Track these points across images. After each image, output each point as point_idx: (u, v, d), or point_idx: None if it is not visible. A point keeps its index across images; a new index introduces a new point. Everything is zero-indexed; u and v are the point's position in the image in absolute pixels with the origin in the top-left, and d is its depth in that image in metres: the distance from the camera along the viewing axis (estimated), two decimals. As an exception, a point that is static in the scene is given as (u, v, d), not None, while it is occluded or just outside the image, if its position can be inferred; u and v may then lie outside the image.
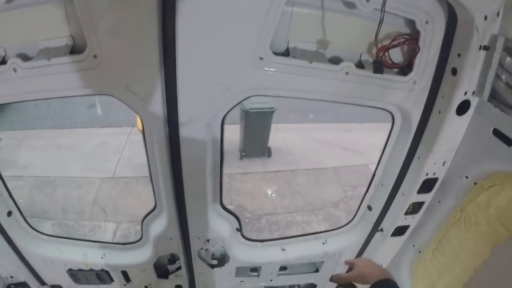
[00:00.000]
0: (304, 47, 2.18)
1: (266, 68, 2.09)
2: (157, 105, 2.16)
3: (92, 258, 3.23)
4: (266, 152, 9.35)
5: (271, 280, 3.62)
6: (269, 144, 9.36)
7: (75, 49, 2.03)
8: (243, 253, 3.24)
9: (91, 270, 3.32)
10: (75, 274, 3.37)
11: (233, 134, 9.00)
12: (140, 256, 3.18)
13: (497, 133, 2.10)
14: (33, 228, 3.17)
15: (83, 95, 2.18)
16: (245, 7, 1.89)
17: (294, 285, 4.04)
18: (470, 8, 1.90)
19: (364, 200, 3.14)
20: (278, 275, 3.58)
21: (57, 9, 1.94)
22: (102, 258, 3.22)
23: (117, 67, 2.03)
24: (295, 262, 3.47)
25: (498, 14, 1.91)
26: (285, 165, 9.34)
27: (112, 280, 3.44)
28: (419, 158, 2.61)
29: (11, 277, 3.26)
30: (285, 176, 9.00)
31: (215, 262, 3.22)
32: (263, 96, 2.33)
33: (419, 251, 3.04)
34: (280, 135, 10.20)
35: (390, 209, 2.97)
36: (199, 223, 2.87)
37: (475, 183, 2.40)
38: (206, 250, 3.15)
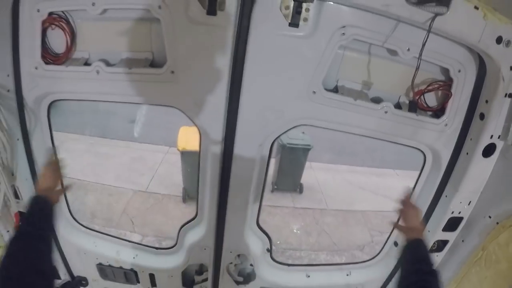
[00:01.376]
0: (351, 86, 2.45)
1: (317, 101, 2.35)
2: (218, 123, 2.44)
3: (124, 256, 3.41)
4: (298, 188, 9.42)
5: None
6: (302, 181, 9.43)
7: (153, 63, 2.36)
8: (270, 274, 3.35)
9: (121, 268, 3.49)
10: (103, 269, 3.54)
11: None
12: (171, 262, 3.33)
13: None
14: (75, 219, 3.42)
15: (153, 104, 2.49)
16: (305, 49, 2.19)
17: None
18: (497, 59, 2.13)
19: (390, 236, 3.23)
20: None
21: (143, 26, 2.28)
22: (134, 258, 3.40)
23: (190, 85, 2.33)
24: None
25: None
26: (315, 203, 9.34)
27: (138, 281, 3.58)
28: (446, 196, 2.74)
29: None
30: (313, 214, 9.01)
31: (241, 278, 3.35)
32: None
33: None
34: (313, 173, 10.24)
35: None
36: (235, 237, 3.04)
37: (497, 223, 2.51)
38: (235, 265, 3.27)
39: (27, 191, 2.88)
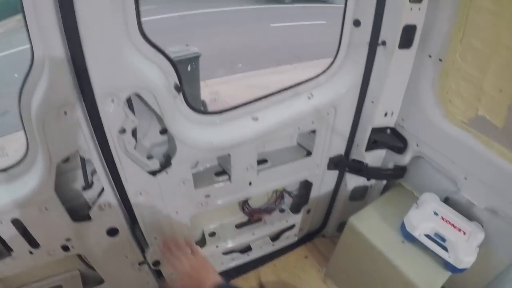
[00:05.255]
0: None
1: None
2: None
3: None
4: (201, 105, 8.27)
5: (250, 184, 2.48)
6: (203, 99, 8.40)
7: None
8: (194, 133, 2.04)
9: None
10: None
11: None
12: (30, 182, 1.80)
13: None
14: None
15: None
16: None
17: (283, 193, 2.98)
18: None
19: (345, 18, 2.14)
20: (259, 171, 2.46)
21: None
22: None
23: None
24: (275, 132, 2.35)
25: None
26: (222, 112, 8.54)
27: (9, 249, 2.06)
28: None
29: None
30: (225, 123, 8.19)
31: (155, 165, 2.02)
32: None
33: (440, 60, 2.12)
34: (212, 89, 9.45)
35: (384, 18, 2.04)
36: (107, 68, 1.52)
37: None
38: (131, 131, 1.83)
39: None
